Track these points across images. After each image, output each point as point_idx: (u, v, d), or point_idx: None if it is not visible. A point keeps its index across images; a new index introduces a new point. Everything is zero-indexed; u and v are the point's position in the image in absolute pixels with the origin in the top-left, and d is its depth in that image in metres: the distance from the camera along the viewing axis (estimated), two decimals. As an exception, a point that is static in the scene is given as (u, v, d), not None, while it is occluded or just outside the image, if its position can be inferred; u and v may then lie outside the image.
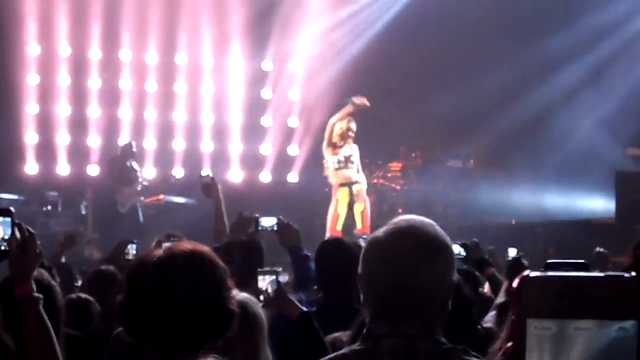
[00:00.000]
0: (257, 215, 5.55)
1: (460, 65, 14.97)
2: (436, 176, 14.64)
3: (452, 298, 2.16)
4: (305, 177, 14.76)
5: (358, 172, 11.35)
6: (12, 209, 2.76)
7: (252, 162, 15.07)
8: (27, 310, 2.69)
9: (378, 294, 2.15)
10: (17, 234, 2.70)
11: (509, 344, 1.16)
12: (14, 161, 14.04)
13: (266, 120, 15.29)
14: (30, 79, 14.32)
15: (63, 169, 14.36)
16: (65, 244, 7.22)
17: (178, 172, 14.79)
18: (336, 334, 3.56)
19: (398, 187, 14.50)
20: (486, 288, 5.63)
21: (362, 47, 14.72)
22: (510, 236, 12.39)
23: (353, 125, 11.23)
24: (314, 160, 12.93)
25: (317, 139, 13.37)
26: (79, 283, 6.22)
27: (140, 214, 13.07)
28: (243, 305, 3.29)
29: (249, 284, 3.39)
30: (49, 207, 13.62)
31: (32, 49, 14.34)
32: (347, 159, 11.17)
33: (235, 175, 14.93)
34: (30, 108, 14.29)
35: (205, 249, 2.31)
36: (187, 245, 2.29)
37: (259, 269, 3.85)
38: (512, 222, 14.20)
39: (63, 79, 14.54)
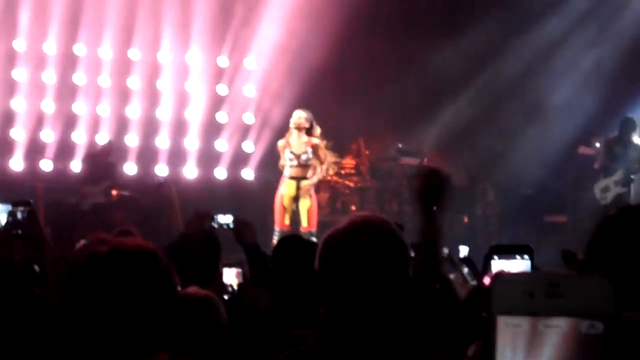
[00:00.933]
0: (212, 212, 5.56)
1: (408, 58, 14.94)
2: (390, 173, 14.64)
3: (409, 292, 2.20)
4: (260, 174, 14.71)
5: (311, 168, 11.11)
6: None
7: (208, 158, 14.98)
8: None
9: (335, 289, 2.18)
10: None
11: (479, 339, 1.20)
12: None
13: (222, 117, 15.21)
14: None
15: (17, 164, 14.15)
16: None
17: (131, 168, 14.59)
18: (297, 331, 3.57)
19: (352, 185, 14.46)
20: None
21: (317, 43, 14.62)
22: (462, 234, 12.51)
23: (302, 117, 11.02)
24: (270, 157, 12.86)
25: (273, 136, 13.37)
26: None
27: (96, 210, 12.92)
28: (202, 303, 3.30)
29: (209, 280, 3.36)
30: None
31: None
32: (299, 156, 11.00)
33: (190, 171, 14.84)
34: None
35: (149, 245, 2.24)
36: (131, 241, 2.24)
37: (225, 262, 3.84)
38: (465, 220, 14.24)
39: (19, 73, 14.34)
